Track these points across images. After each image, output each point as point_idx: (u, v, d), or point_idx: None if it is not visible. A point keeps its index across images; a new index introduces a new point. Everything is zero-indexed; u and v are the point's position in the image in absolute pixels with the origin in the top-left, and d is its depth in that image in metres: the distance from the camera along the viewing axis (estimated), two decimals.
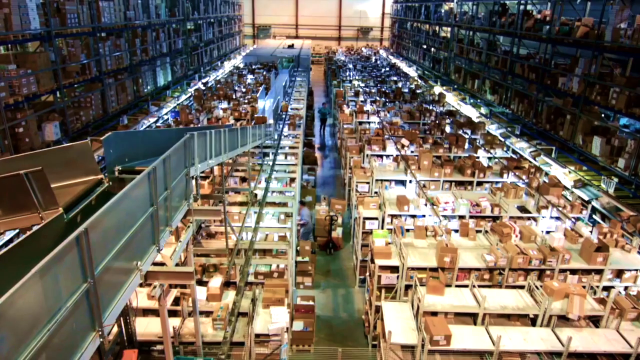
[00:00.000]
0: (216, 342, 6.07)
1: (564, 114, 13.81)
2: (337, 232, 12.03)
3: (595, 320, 6.84)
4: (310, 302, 8.83)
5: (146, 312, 6.77)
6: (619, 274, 7.92)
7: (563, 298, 6.78)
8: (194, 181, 5.89)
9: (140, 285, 7.36)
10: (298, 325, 8.25)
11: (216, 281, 6.90)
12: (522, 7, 16.50)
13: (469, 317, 6.93)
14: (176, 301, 6.78)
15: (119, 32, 16.04)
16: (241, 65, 30.84)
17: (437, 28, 28.65)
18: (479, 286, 7.24)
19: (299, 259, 10.28)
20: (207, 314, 6.63)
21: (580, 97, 12.67)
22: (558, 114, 14.24)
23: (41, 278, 2.26)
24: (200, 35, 27.48)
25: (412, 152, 13.39)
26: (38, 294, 2.26)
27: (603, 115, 13.29)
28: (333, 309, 9.75)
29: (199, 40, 27.15)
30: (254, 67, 29.04)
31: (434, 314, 6.72)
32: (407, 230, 9.00)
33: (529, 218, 9.83)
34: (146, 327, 6.34)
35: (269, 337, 6.30)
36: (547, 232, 8.92)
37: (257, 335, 6.27)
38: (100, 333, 2.89)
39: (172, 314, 6.59)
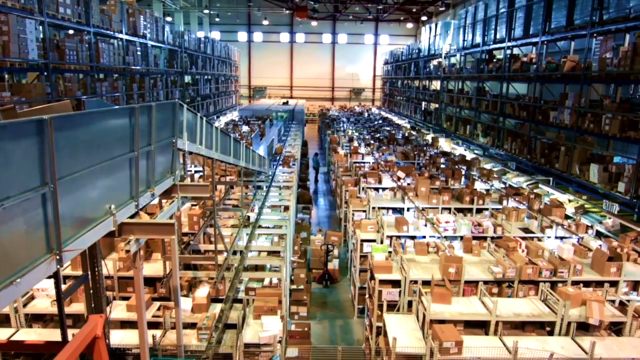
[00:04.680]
0: (200, 351, 5.42)
1: (558, 147, 13.81)
2: (334, 264, 11.45)
3: (616, 330, 6.27)
4: (305, 329, 8.15)
5: (124, 324, 6.14)
6: (635, 286, 7.41)
7: (580, 305, 6.25)
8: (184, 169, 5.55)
9: (121, 299, 6.83)
10: (292, 352, 7.51)
11: (203, 291, 6.33)
12: (508, 51, 17.15)
13: (480, 329, 6.34)
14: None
15: (118, 75, 16.32)
16: (236, 118, 31.37)
17: (426, 82, 29.66)
18: None
19: (294, 287, 9.65)
20: (192, 325, 6.00)
21: (573, 128, 12.74)
22: (552, 147, 14.24)
23: None
24: (198, 90, 28.16)
25: (408, 184, 13.14)
26: None
27: (597, 151, 13.28)
28: (330, 339, 8.99)
29: (196, 94, 27.77)
30: (249, 119, 29.51)
31: (442, 323, 6.12)
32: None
33: (532, 239, 9.40)
34: (122, 339, 5.70)
35: (260, 347, 5.65)
36: None
37: (247, 346, 5.61)
38: (57, 257, 2.46)
39: (153, 326, 5.96)
